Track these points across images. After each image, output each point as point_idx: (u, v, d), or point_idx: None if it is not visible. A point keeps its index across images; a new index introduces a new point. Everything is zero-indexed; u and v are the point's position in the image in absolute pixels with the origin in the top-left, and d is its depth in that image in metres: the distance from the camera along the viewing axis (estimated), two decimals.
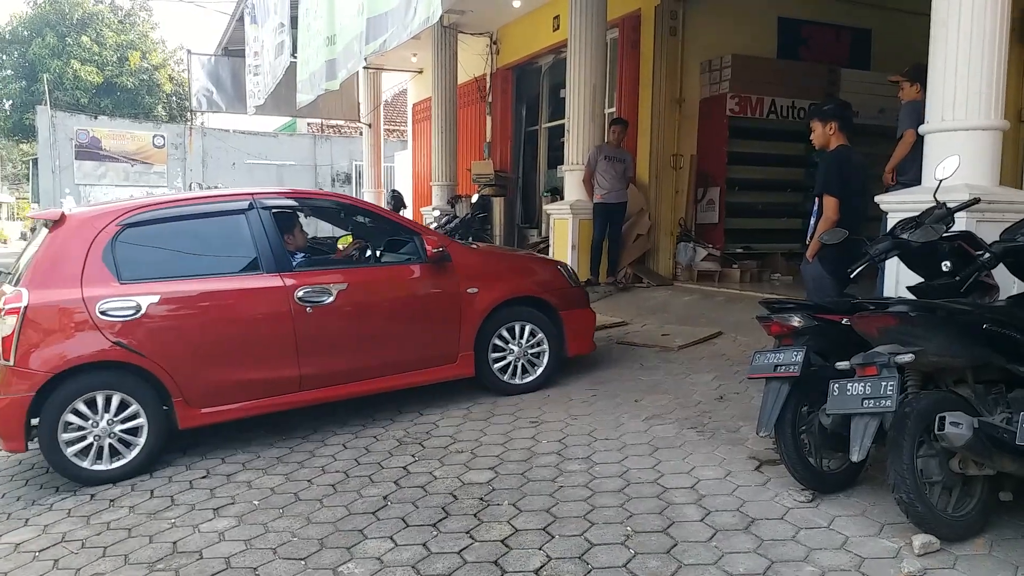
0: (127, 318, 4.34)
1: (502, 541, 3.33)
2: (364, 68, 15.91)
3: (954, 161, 3.78)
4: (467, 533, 3.43)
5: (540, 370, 5.58)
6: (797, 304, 3.69)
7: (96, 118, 20.59)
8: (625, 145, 9.09)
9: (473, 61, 13.29)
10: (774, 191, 10.62)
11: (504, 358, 5.49)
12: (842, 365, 3.21)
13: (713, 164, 9.79)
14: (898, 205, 4.66)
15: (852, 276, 4.11)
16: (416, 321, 5.17)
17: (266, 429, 4.95)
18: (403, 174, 18.25)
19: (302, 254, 5.22)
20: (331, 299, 4.82)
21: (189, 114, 22.75)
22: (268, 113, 15.07)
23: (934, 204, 3.71)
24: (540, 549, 3.23)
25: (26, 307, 4.19)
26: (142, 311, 4.37)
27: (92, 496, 4.19)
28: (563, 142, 11.89)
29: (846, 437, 3.54)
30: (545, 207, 10.78)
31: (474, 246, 6.48)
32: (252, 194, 4.98)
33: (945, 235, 3.53)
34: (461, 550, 3.28)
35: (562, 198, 9.83)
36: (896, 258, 3.89)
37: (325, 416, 5.12)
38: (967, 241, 3.63)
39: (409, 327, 5.14)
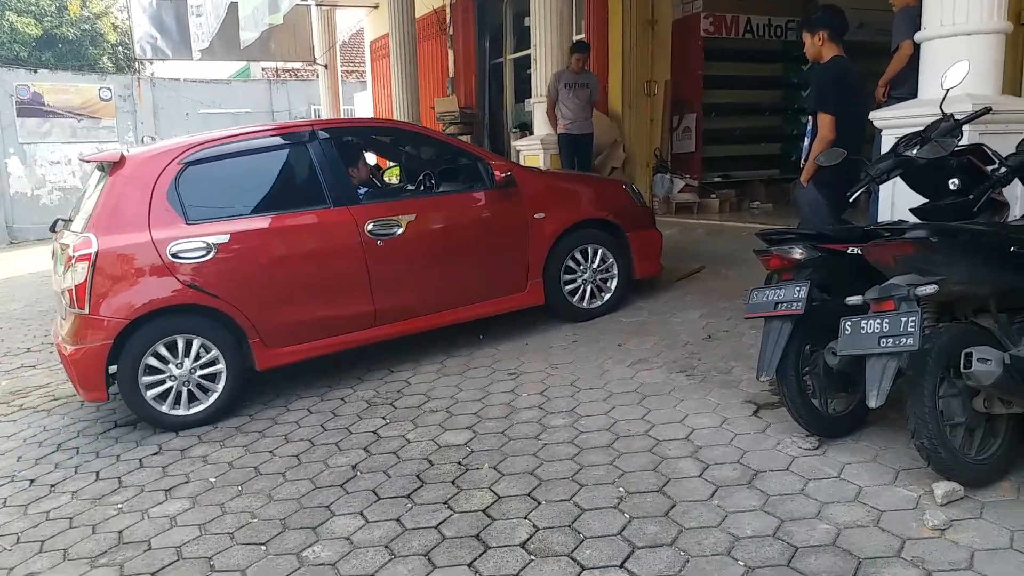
0: (199, 259, 4.23)
1: (484, 511, 3.02)
2: (317, 5, 15.09)
3: (963, 67, 3.40)
4: (445, 504, 3.11)
5: (609, 295, 5.53)
6: (798, 234, 3.34)
7: (36, 72, 19.48)
8: (589, 68, 8.45)
9: None
10: (751, 115, 10.23)
11: (575, 282, 5.40)
12: (853, 300, 2.88)
13: (688, 89, 9.33)
14: (895, 121, 4.28)
15: (851, 200, 3.77)
16: (485, 250, 5.08)
17: None
18: (364, 116, 17.49)
19: (366, 187, 5.08)
20: (401, 231, 4.73)
21: (136, 64, 21.63)
22: (216, 58, 14.30)
23: (940, 116, 3.35)
24: (526, 518, 2.92)
25: (96, 253, 4.06)
26: (213, 251, 4.26)
27: (32, 482, 3.82)
28: (530, 74, 11.35)
29: (853, 377, 3.26)
30: (514, 143, 10.24)
31: (537, 169, 6.20)
32: (312, 123, 4.91)
33: (955, 149, 3.18)
34: (439, 524, 2.96)
35: (531, 133, 9.33)
36: (894, 180, 3.55)
37: (290, 378, 4.75)
38: (977, 155, 3.28)
39: (479, 257, 5.05)
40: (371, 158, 6.42)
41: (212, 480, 3.59)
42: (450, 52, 12.87)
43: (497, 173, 5.03)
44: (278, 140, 4.80)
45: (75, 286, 4.05)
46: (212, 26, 9.80)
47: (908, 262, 2.74)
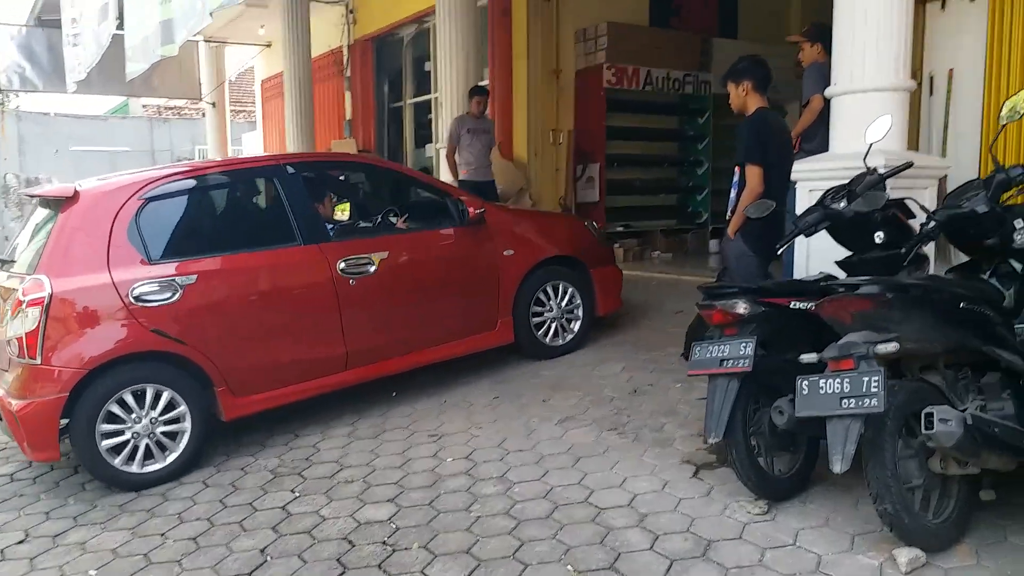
0: (163, 302, 3.90)
1: None
2: (206, 41, 14.48)
3: (886, 121, 3.44)
4: None
5: (575, 333, 5.52)
6: (740, 288, 3.24)
7: None
8: (489, 113, 8.34)
9: (328, 31, 12.30)
10: (651, 167, 10.43)
11: (542, 319, 5.37)
12: (808, 358, 2.77)
13: (592, 140, 9.41)
14: (809, 173, 4.31)
15: (779, 252, 3.74)
16: (458, 289, 4.96)
17: None
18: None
19: (331, 224, 4.80)
20: (374, 268, 4.53)
21: (0, 95, 20.11)
22: (95, 91, 13.39)
23: (863, 170, 3.36)
24: None
25: (50, 296, 3.68)
26: (179, 293, 3.94)
27: None
28: (430, 119, 11.19)
29: (798, 437, 3.16)
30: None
31: (504, 206, 6.08)
32: (278, 159, 4.72)
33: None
34: None
35: None
36: (808, 234, 3.53)
37: None
38: (901, 210, 3.31)
39: (451, 295, 4.92)
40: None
41: (92, 574, 3.08)
42: (348, 94, 12.59)
43: (471, 209, 4.93)
44: (245, 174, 4.65)
45: (25, 334, 3.65)
46: (91, 57, 9.08)
47: (864, 318, 2.66)
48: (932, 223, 3.12)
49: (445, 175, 8.30)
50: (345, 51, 12.43)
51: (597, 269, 5.61)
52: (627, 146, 9.79)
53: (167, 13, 6.68)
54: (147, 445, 3.86)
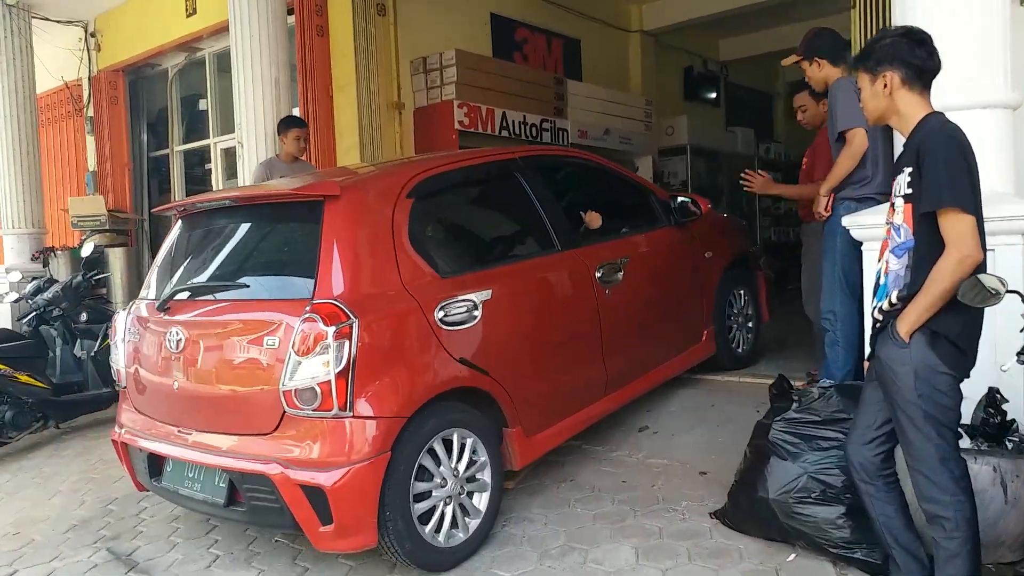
0: (466, 325, 3.11)
1: None
2: None
3: None
4: None
5: (752, 339, 5.19)
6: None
7: None
8: (307, 157, 6.60)
9: (62, 59, 9.60)
10: None
11: (729, 330, 4.97)
12: None
13: None
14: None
15: (1004, 370, 2.48)
16: (680, 296, 4.52)
17: None
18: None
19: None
20: (621, 276, 3.91)
21: None
22: None
23: None
24: None
25: (356, 325, 2.72)
26: (479, 314, 3.16)
27: None
28: (209, 169, 9.05)
29: None
30: None
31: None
32: (515, 152, 4.02)
33: None
34: None
35: None
36: None
37: None
38: None
39: (677, 304, 4.48)
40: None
41: None
42: (90, 139, 9.87)
43: (704, 206, 4.59)
44: (495, 170, 3.83)
45: (335, 375, 2.69)
46: None
47: None
48: None
49: None
50: (87, 84, 9.77)
51: (759, 272, 5.32)
52: None
53: None
54: (452, 510, 3.03)
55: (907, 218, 2.26)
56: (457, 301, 3.10)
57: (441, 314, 3.03)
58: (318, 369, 2.70)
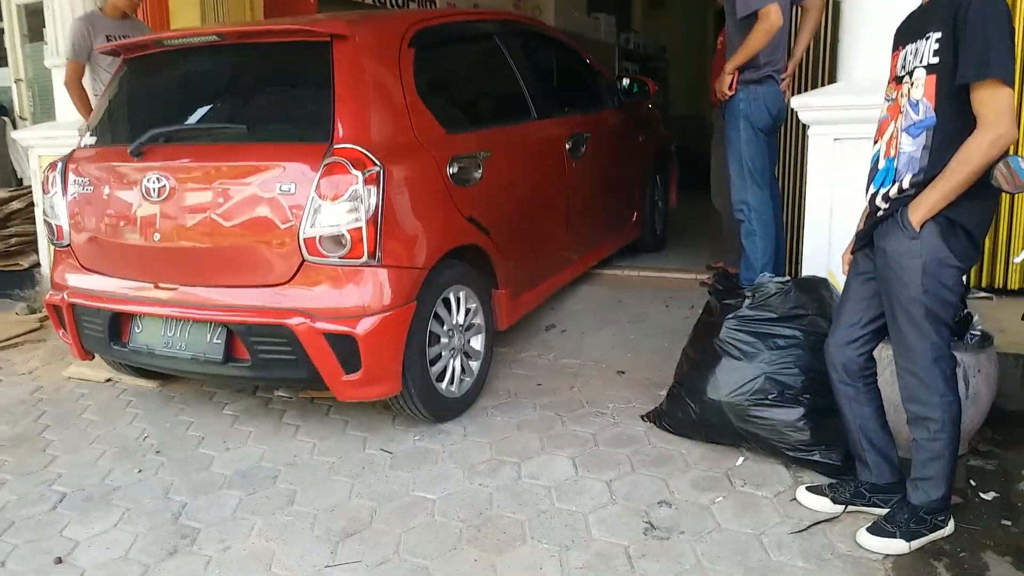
0: (472, 182, 3.11)
1: None
2: None
3: None
4: None
5: (661, 225, 5.34)
6: None
7: None
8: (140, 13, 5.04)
9: None
10: None
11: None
12: None
13: None
14: (820, 113, 2.93)
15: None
16: (623, 178, 4.61)
17: None
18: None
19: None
20: (583, 150, 3.98)
21: None
22: None
23: None
24: None
25: (382, 172, 2.61)
26: (481, 171, 3.15)
27: None
28: (2, 29, 7.23)
29: None
30: (13, 135, 6.18)
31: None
32: (496, 15, 4.18)
33: None
34: None
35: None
36: None
37: None
38: None
39: (619, 185, 4.57)
40: None
41: None
42: None
43: (652, 88, 4.74)
44: (480, 30, 3.77)
45: (366, 222, 2.60)
46: None
47: None
48: None
49: (66, 108, 4.94)
50: None
51: (672, 160, 5.44)
52: None
53: None
54: (454, 363, 3.08)
55: (928, 92, 1.97)
56: (467, 157, 3.08)
57: (453, 169, 3.00)
58: (345, 216, 2.60)
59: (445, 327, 2.99)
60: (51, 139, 5.05)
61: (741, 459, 2.64)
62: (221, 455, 2.91)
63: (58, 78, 4.93)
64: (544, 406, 3.15)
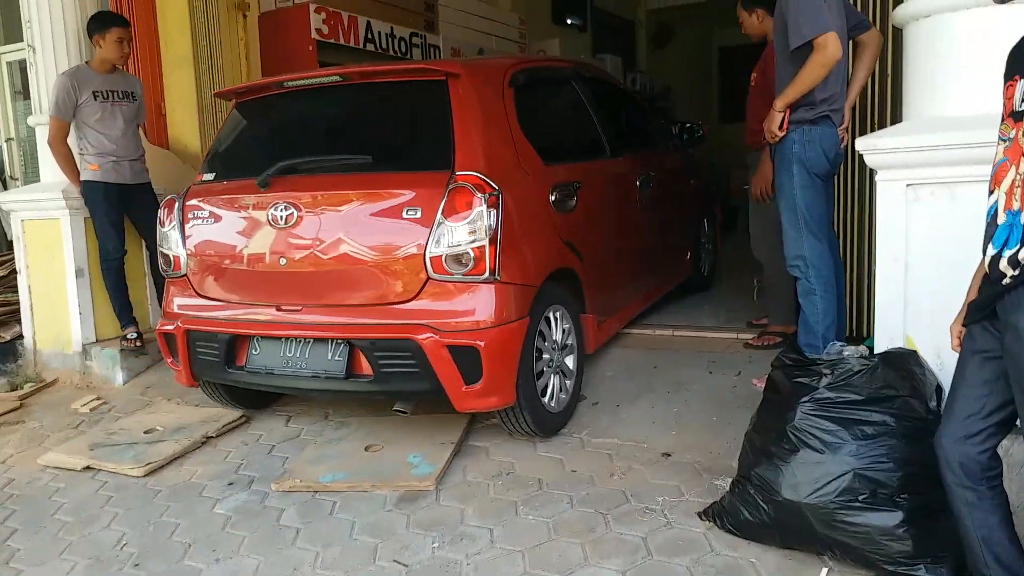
0: (568, 210, 3.39)
1: None
2: None
3: None
4: None
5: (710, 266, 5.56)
6: None
7: None
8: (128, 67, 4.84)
9: None
10: None
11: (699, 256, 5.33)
12: None
13: None
14: (892, 156, 2.44)
15: None
16: (681, 215, 4.91)
17: None
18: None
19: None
20: (650, 188, 4.29)
21: None
22: None
23: None
24: None
25: (500, 194, 2.90)
26: (575, 200, 3.43)
27: None
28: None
29: None
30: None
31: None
32: (572, 63, 4.42)
33: None
34: None
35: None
36: None
37: None
38: None
39: (678, 221, 4.87)
40: None
41: None
42: None
43: (705, 131, 4.97)
44: (562, 74, 4.11)
45: (488, 240, 2.83)
46: None
47: None
48: None
49: (50, 168, 4.65)
50: None
51: (717, 204, 5.73)
52: None
53: None
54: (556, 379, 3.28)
55: None
56: (564, 186, 3.36)
57: (553, 196, 3.28)
58: (468, 236, 2.84)
59: (547, 343, 3.18)
60: (34, 202, 4.74)
61: (825, 570, 2.21)
62: (209, 568, 2.55)
63: (42, 136, 4.64)
64: (582, 500, 2.71)
